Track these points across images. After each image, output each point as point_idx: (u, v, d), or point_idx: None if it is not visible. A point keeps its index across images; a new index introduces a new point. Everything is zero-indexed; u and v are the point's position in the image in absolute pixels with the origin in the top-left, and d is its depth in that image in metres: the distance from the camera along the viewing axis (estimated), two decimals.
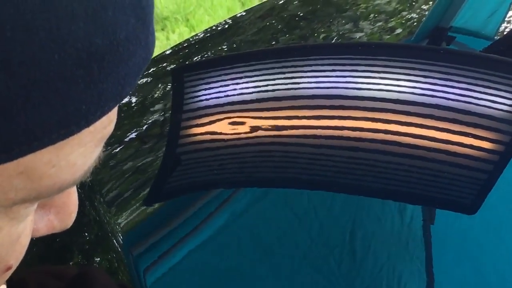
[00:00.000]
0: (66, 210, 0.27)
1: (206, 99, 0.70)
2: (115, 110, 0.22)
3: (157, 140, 0.82)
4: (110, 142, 0.83)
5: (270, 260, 0.70)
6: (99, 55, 0.19)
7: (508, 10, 0.92)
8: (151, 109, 0.88)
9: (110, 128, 0.22)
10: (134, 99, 0.92)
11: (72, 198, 0.27)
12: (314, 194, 0.72)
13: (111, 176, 0.77)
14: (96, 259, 0.68)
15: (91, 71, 0.19)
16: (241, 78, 0.70)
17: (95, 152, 0.22)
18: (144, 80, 0.98)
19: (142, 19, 0.20)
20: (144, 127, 0.85)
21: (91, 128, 0.20)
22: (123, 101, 1.00)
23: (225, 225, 0.71)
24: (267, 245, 0.72)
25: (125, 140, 0.83)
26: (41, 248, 0.58)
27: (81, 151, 0.21)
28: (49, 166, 0.20)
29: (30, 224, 0.24)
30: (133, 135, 0.84)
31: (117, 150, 0.82)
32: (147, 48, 0.21)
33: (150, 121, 0.86)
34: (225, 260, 0.71)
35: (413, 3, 1.06)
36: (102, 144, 0.23)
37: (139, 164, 0.79)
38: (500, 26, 0.90)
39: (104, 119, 0.21)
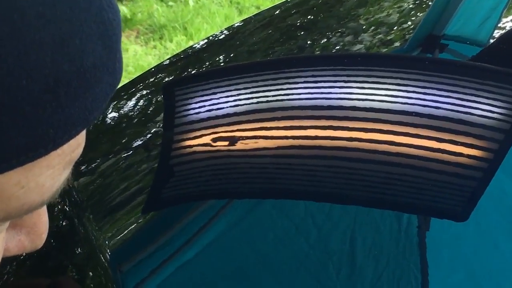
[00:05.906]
0: (37, 231, 0.28)
1: (198, 113, 0.71)
2: (83, 134, 0.23)
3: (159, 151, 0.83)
4: (115, 150, 0.84)
5: (267, 268, 0.70)
6: (66, 81, 0.19)
7: (501, 16, 0.93)
8: (153, 119, 0.89)
9: (78, 151, 0.23)
10: (136, 110, 0.93)
11: (42, 219, 0.28)
12: (311, 202, 0.72)
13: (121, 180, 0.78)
14: (90, 274, 0.68)
15: (58, 96, 0.19)
16: (232, 90, 0.71)
17: (64, 174, 0.23)
18: (144, 91, 0.98)
19: (109, 47, 0.21)
20: (148, 136, 0.86)
21: (59, 151, 0.21)
22: (123, 113, 1.00)
23: (219, 236, 0.72)
24: (263, 254, 0.72)
25: (132, 147, 0.84)
26: (35, 263, 0.59)
27: (50, 173, 0.22)
28: (18, 187, 0.21)
29: (2, 242, 0.25)
30: (137, 144, 0.84)
31: (123, 156, 0.83)
32: (114, 75, 0.22)
33: (153, 130, 0.86)
34: (220, 271, 0.71)
35: (415, 14, 1.07)
36: (71, 166, 0.24)
37: (139, 169, 0.79)
38: (493, 32, 0.90)
39: (72, 142, 0.22)
